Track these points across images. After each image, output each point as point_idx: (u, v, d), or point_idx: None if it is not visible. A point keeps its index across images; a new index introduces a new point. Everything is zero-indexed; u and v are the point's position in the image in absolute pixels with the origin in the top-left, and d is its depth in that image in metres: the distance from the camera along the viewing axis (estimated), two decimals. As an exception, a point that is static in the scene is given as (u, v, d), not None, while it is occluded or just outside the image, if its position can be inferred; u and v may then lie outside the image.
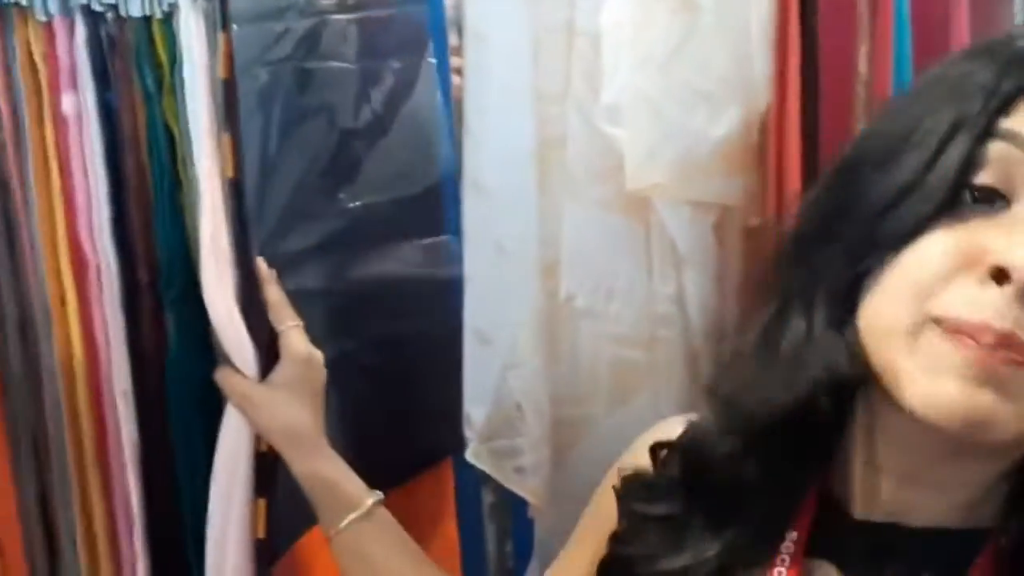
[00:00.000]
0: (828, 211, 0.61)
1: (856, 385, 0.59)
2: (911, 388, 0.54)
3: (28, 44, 0.84)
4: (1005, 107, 0.55)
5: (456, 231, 1.09)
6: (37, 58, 0.84)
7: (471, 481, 1.18)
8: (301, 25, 1.01)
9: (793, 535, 0.62)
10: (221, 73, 0.84)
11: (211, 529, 0.89)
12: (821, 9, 0.88)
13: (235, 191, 0.85)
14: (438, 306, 1.11)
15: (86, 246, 0.86)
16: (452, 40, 1.16)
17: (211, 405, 0.90)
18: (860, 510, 0.62)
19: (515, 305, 1.07)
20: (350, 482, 0.91)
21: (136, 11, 0.83)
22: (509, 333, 1.08)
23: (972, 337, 0.52)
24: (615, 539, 0.70)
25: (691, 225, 1.02)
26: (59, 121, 0.85)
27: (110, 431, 0.88)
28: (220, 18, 0.83)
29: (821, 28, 0.89)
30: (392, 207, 1.05)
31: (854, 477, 0.62)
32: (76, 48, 0.84)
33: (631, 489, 0.70)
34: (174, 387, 0.89)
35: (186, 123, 0.85)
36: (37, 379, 0.87)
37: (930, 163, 0.55)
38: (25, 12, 0.83)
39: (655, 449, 0.70)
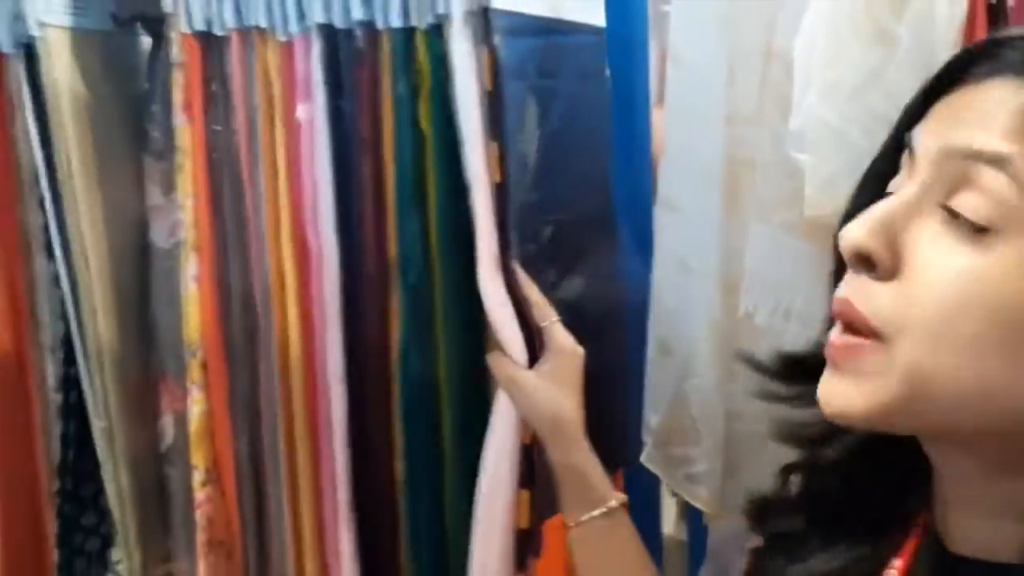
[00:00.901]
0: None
1: None
2: None
3: (266, 61, 0.94)
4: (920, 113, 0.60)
5: (633, 249, 1.14)
6: (273, 73, 0.93)
7: (648, 483, 1.23)
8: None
9: (897, 563, 0.63)
10: (486, 85, 0.88)
11: (478, 519, 0.94)
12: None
13: (500, 195, 0.90)
14: (615, 321, 1.15)
15: (309, 236, 0.94)
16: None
17: (436, 390, 0.95)
18: (952, 545, 0.63)
19: (696, 319, 1.11)
20: (600, 479, 0.93)
21: (397, 22, 0.89)
22: (688, 345, 1.12)
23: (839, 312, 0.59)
24: (751, 552, 0.75)
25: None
26: (291, 127, 0.93)
27: (321, 411, 0.96)
28: (484, 32, 0.88)
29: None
30: (571, 226, 1.08)
31: (941, 512, 0.64)
32: (312, 62, 0.92)
33: (755, 508, 0.75)
34: (403, 374, 0.94)
35: (441, 127, 0.90)
36: (255, 356, 0.97)
37: (872, 166, 0.65)
38: (265, 34, 0.93)
39: (781, 471, 0.73)
